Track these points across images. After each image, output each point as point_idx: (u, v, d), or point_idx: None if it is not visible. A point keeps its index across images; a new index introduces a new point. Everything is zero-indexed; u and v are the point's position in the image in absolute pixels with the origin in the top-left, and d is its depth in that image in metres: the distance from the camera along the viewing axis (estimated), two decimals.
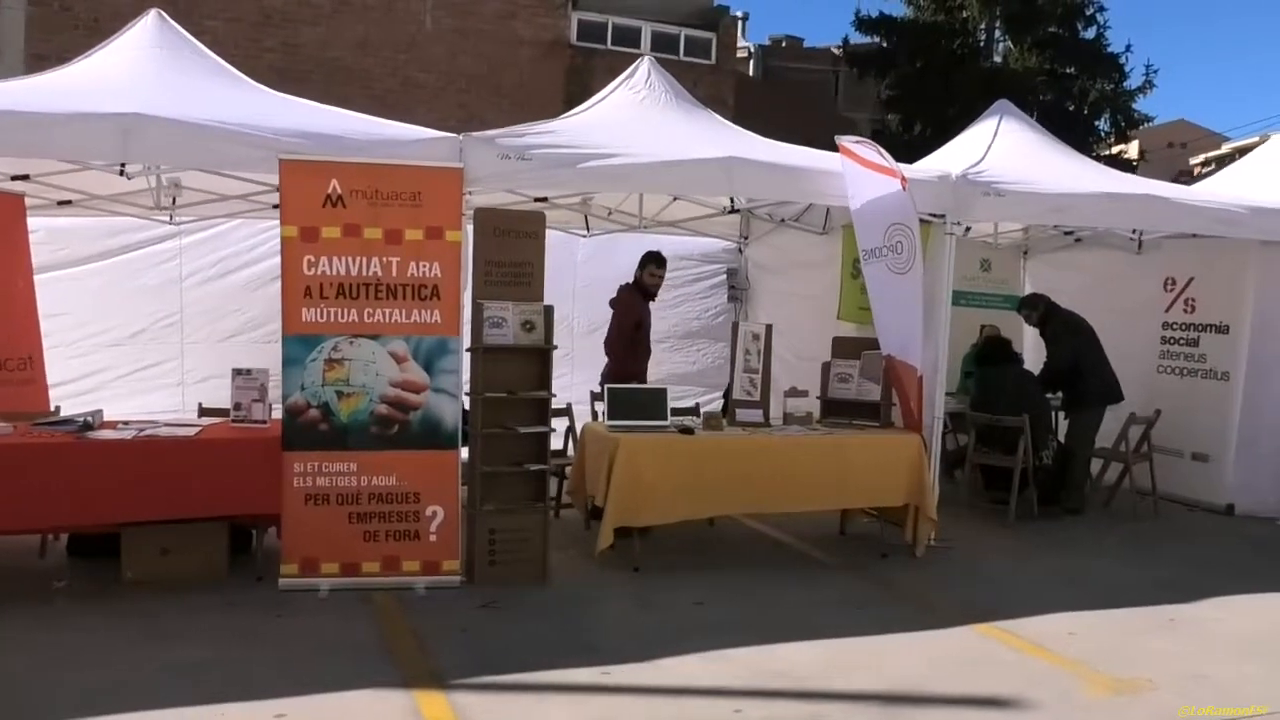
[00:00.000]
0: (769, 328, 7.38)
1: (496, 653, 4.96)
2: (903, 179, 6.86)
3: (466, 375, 6.11)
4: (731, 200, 8.62)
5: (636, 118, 7.23)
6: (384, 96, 15.11)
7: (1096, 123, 20.42)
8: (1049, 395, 8.85)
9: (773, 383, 8.36)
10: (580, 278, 9.83)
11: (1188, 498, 9.01)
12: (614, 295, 7.96)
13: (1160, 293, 9.41)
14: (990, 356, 8.52)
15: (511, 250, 6.17)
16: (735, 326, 7.44)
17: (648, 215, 9.27)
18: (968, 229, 10.38)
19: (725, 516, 7.27)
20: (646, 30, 17.19)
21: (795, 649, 5.14)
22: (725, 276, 10.20)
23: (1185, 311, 9.19)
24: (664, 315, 10.11)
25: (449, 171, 5.88)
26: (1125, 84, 20.38)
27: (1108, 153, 20.38)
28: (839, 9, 61.83)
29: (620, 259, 9.86)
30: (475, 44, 16.23)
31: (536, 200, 7.95)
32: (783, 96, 29.07)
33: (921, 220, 7.05)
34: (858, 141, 7.07)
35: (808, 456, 6.68)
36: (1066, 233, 9.99)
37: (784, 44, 38.25)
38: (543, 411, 6.26)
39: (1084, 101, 19.50)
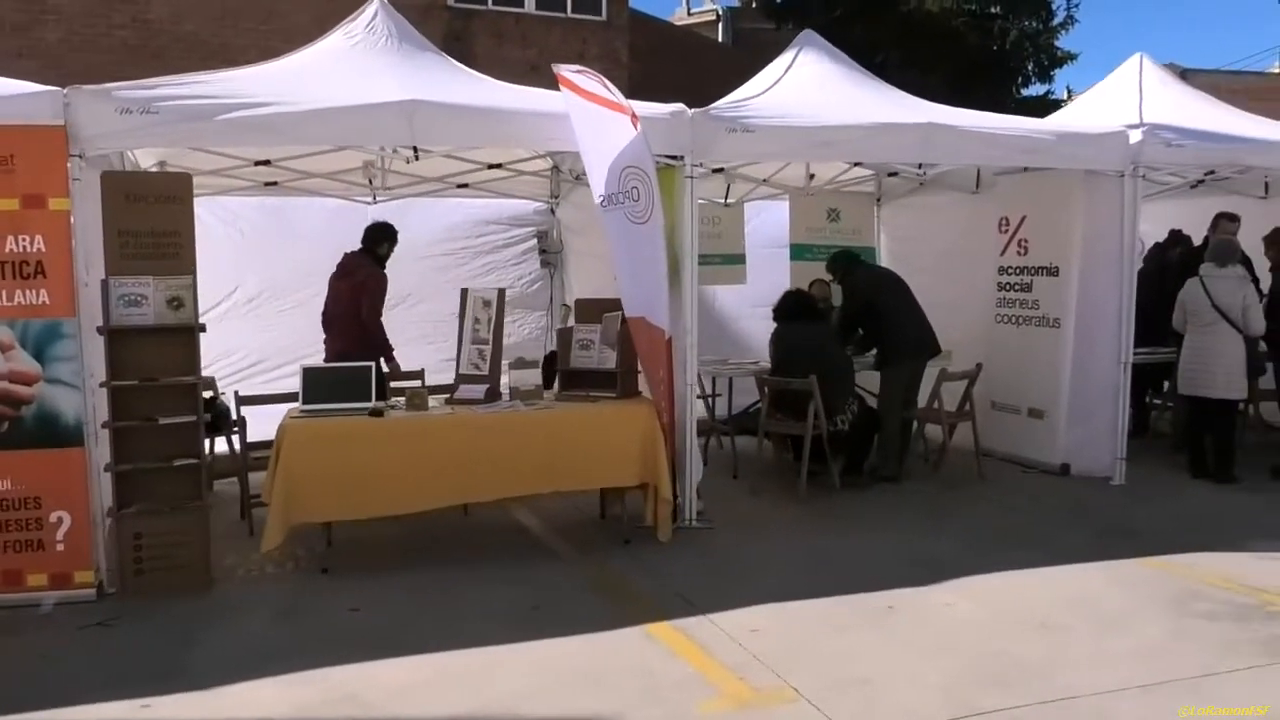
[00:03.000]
0: (501, 293, 6.64)
1: (43, 683, 4.26)
2: (633, 115, 6.09)
3: None
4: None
5: (337, 64, 6.44)
6: None
7: (1029, 64, 19.38)
8: (865, 354, 8.08)
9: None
10: None
11: (1027, 458, 8.24)
12: (354, 266, 7.25)
13: (996, 234, 8.59)
14: (789, 313, 7.70)
15: (151, 218, 5.41)
16: (464, 293, 6.67)
17: (446, 176, 8.52)
18: (811, 177, 9.72)
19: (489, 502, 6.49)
20: None
21: (405, 665, 4.42)
22: (536, 241, 9.41)
23: (1019, 254, 8.37)
24: (472, 285, 9.39)
25: (46, 131, 5.12)
26: (1053, 22, 19.40)
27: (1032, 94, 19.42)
28: None
29: (415, 227, 9.15)
30: (343, 10, 15.25)
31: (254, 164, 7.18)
32: (752, 59, 28.05)
33: (661, 162, 6.29)
34: (579, 71, 6.26)
35: (518, 436, 5.91)
36: (893, 174, 9.18)
37: (754, 5, 37.12)
38: (193, 399, 5.52)
39: (1005, 41, 18.49)
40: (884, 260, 10.14)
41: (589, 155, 6.22)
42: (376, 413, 5.84)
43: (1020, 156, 7.25)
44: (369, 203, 8.90)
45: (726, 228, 9.85)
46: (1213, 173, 8.94)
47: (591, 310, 6.66)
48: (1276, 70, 35.50)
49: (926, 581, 5.41)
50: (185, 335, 5.48)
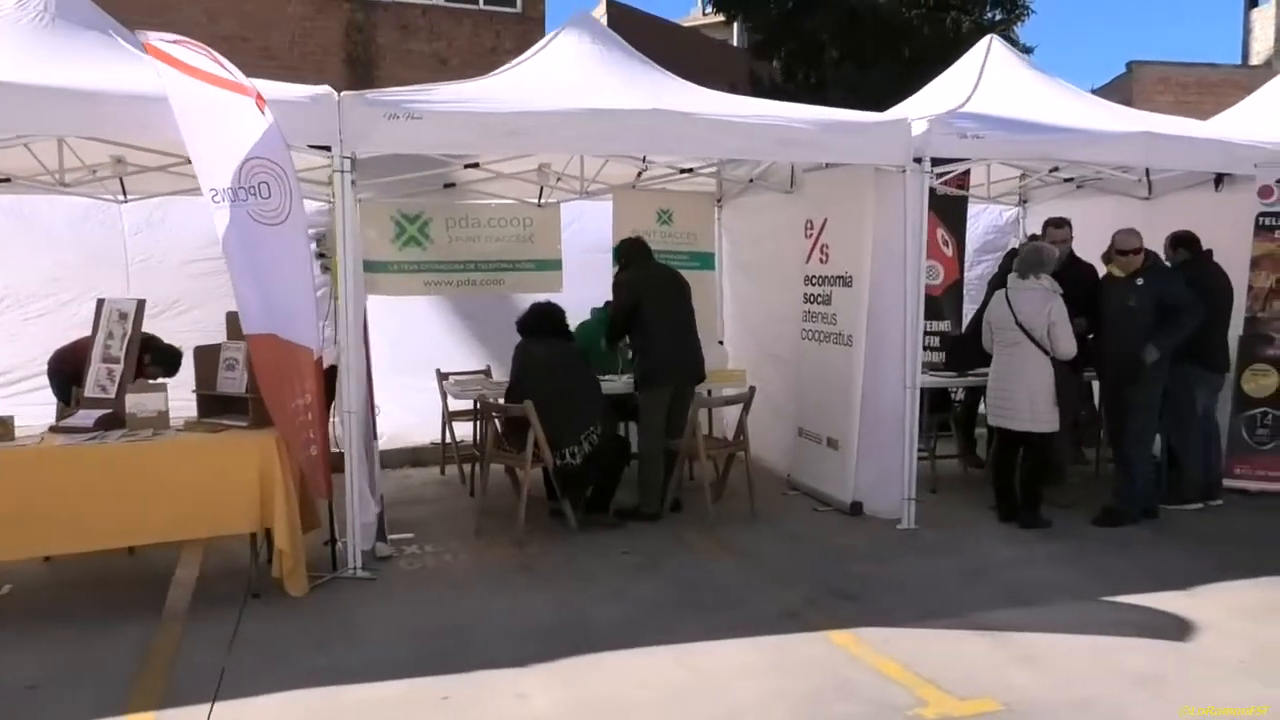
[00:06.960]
0: (141, 304, 5.78)
1: None
2: (258, 98, 5.19)
3: None
4: None
5: None
6: None
7: None
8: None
9: None
10: (134, 252, 8.32)
11: (825, 493, 7.23)
12: None
13: (804, 240, 7.57)
14: (530, 327, 6.71)
15: None
16: (100, 304, 5.82)
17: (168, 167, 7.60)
18: (639, 174, 8.74)
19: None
20: None
21: None
22: (317, 244, 8.52)
23: (821, 261, 7.35)
24: None
25: None
26: (1014, 12, 18.15)
27: None
28: None
29: (177, 228, 8.41)
30: (236, 3, 14.71)
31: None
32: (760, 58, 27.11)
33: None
34: (176, 41, 5.33)
35: (93, 475, 5.00)
36: (687, 170, 8.19)
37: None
38: None
39: (959, 33, 17.30)
40: (724, 268, 9.19)
41: (193, 140, 5.20)
42: None
43: (776, 149, 6.26)
44: (119, 201, 8.11)
45: (539, 230, 8.97)
46: (1057, 169, 7.91)
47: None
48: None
49: (533, 661, 4.44)
50: None
